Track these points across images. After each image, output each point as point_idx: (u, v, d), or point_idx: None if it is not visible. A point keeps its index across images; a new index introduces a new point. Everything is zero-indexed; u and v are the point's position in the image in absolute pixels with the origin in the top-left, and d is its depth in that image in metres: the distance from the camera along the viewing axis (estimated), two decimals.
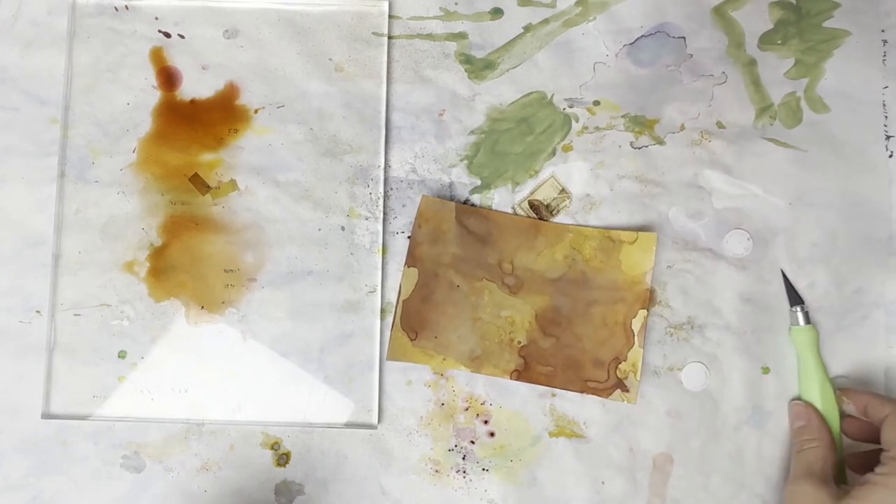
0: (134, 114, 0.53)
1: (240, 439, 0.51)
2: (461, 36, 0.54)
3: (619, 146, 0.53)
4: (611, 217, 0.52)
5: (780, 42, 0.54)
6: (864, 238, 0.52)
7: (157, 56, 0.53)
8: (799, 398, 0.50)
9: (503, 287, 0.51)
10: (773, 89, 0.53)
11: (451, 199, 0.52)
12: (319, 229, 0.52)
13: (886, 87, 0.53)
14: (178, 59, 0.53)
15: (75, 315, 0.51)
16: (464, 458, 0.51)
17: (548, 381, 0.51)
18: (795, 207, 0.52)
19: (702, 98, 0.53)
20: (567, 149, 0.53)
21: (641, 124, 0.53)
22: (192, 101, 0.53)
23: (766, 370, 0.51)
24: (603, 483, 0.51)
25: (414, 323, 0.51)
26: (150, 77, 0.53)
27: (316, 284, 0.52)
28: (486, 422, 0.51)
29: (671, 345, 0.51)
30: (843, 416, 0.49)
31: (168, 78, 0.53)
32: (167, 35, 0.53)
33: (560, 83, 0.53)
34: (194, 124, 0.53)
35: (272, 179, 0.52)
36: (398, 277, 0.51)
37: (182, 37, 0.53)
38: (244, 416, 0.51)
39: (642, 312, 0.51)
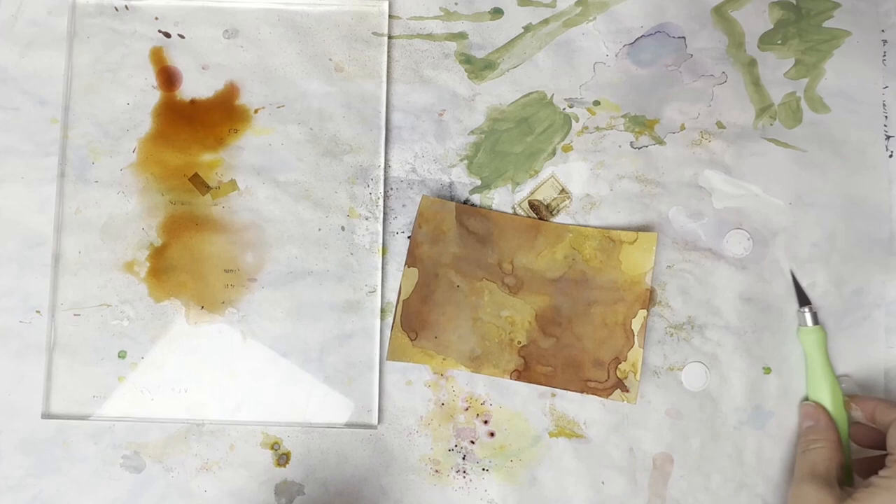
0: (134, 114, 0.53)
1: (240, 439, 0.51)
2: (461, 36, 0.54)
3: (619, 146, 0.53)
4: (611, 217, 0.52)
5: (780, 42, 0.54)
6: (864, 238, 0.52)
7: (157, 56, 0.53)
8: (808, 398, 0.50)
9: (503, 287, 0.51)
10: (773, 89, 0.53)
11: (451, 199, 0.52)
12: (319, 229, 0.52)
13: (886, 87, 0.53)
14: (178, 59, 0.53)
15: (75, 315, 0.51)
16: (464, 458, 0.51)
17: (548, 381, 0.51)
18: (795, 207, 0.52)
19: (702, 98, 0.53)
20: (567, 149, 0.53)
21: (641, 124, 0.53)
22: (192, 101, 0.53)
23: (767, 370, 0.51)
24: (603, 483, 0.51)
25: (414, 323, 0.51)
26: (150, 77, 0.53)
27: (316, 284, 0.52)
28: (486, 422, 0.51)
29: (671, 345, 0.51)
30: (852, 422, 0.49)
31: (168, 78, 0.53)
32: (167, 35, 0.53)
33: (560, 83, 0.53)
34: (194, 124, 0.53)
35: (272, 179, 0.52)
36: (398, 277, 0.51)
37: (182, 37, 0.53)
38: (244, 416, 0.51)
39: (642, 312, 0.51)
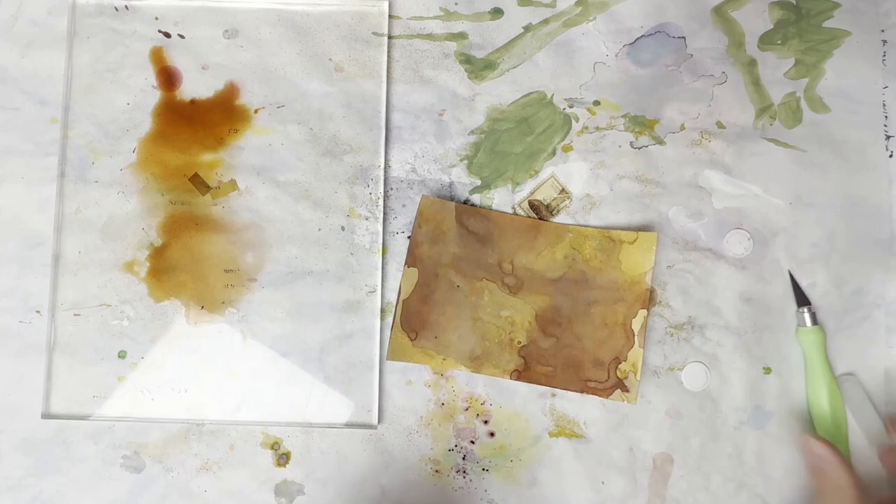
0: (134, 114, 0.53)
1: (240, 439, 0.51)
2: (461, 36, 0.54)
3: (619, 146, 0.53)
4: (611, 217, 0.52)
5: (780, 42, 0.54)
6: (864, 238, 0.52)
7: (157, 56, 0.53)
8: (814, 434, 0.50)
9: (503, 287, 0.51)
10: (773, 89, 0.53)
11: (451, 199, 0.52)
12: (319, 229, 0.52)
13: (886, 87, 0.53)
14: (178, 59, 0.53)
15: (75, 315, 0.51)
16: (464, 458, 0.51)
17: (548, 381, 0.51)
18: (795, 207, 0.52)
19: (702, 98, 0.53)
20: (567, 149, 0.53)
21: (641, 124, 0.53)
22: (192, 101, 0.53)
23: (767, 370, 0.51)
24: (603, 483, 0.51)
25: (414, 323, 0.51)
26: (150, 77, 0.53)
27: (316, 284, 0.52)
28: (486, 422, 0.51)
29: (671, 345, 0.51)
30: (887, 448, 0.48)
31: (168, 78, 0.53)
32: (167, 35, 0.53)
33: (560, 83, 0.53)
34: (194, 124, 0.53)
35: (272, 179, 0.52)
36: (398, 277, 0.51)
37: (182, 37, 0.53)
38: (244, 416, 0.51)
39: (642, 312, 0.51)
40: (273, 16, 0.54)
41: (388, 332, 0.51)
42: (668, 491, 0.51)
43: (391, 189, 0.53)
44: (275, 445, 0.51)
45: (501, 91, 0.53)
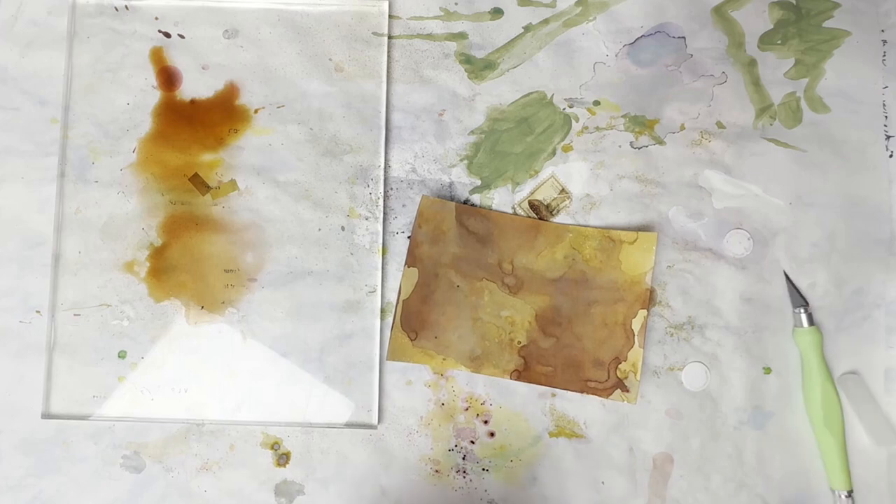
0: (134, 114, 0.53)
1: (240, 439, 0.51)
2: (461, 36, 0.54)
3: (619, 146, 0.53)
4: (611, 217, 0.52)
5: (780, 42, 0.54)
6: (864, 238, 0.52)
7: (157, 56, 0.53)
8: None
9: (503, 287, 0.51)
10: (773, 89, 0.53)
11: (451, 199, 0.52)
12: (319, 229, 0.52)
13: (886, 87, 0.53)
14: (178, 59, 0.53)
15: (75, 315, 0.51)
16: (464, 458, 0.51)
17: (548, 381, 0.51)
18: (795, 207, 0.52)
19: (702, 98, 0.53)
20: (567, 149, 0.53)
21: (641, 124, 0.53)
22: (192, 101, 0.53)
23: (767, 370, 0.51)
24: (603, 483, 0.51)
25: (414, 323, 0.51)
26: (150, 77, 0.53)
27: (316, 284, 0.52)
28: (486, 422, 0.51)
29: (671, 345, 0.51)
30: None
31: (168, 78, 0.53)
32: (167, 35, 0.53)
33: (560, 83, 0.53)
34: (194, 124, 0.53)
35: (272, 179, 0.52)
36: (398, 277, 0.51)
37: (182, 37, 0.53)
38: (244, 416, 0.51)
39: (642, 312, 0.51)
40: (273, 16, 0.54)
41: (388, 332, 0.51)
42: (668, 491, 0.51)
43: (391, 189, 0.53)
44: (275, 445, 0.51)
45: (501, 91, 0.53)
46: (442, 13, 0.54)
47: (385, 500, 0.50)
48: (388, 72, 0.53)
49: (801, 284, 0.52)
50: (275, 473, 0.50)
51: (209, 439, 0.50)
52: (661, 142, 0.53)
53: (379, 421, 0.51)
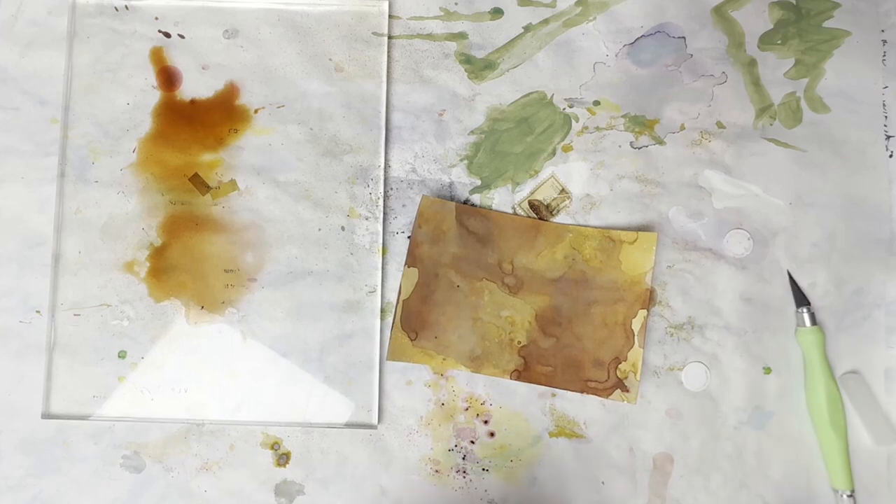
0: (134, 114, 0.53)
1: (240, 439, 0.51)
2: (461, 36, 0.54)
3: (619, 146, 0.53)
4: (611, 217, 0.52)
5: (780, 42, 0.54)
6: (864, 238, 0.52)
7: (157, 56, 0.53)
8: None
9: (503, 287, 0.51)
10: (773, 89, 0.53)
11: (451, 199, 0.52)
12: (319, 229, 0.52)
13: (886, 87, 0.53)
14: (178, 59, 0.53)
15: (75, 315, 0.51)
16: (464, 458, 0.51)
17: (548, 381, 0.51)
18: (795, 207, 0.52)
19: (702, 98, 0.53)
20: (567, 149, 0.53)
21: (641, 124, 0.53)
22: (192, 101, 0.53)
23: (767, 370, 0.51)
24: (603, 483, 0.51)
25: (414, 323, 0.51)
26: (150, 77, 0.53)
27: (316, 284, 0.52)
28: (486, 422, 0.51)
29: (671, 345, 0.51)
30: None
31: (168, 78, 0.53)
32: (167, 35, 0.53)
33: (560, 83, 0.53)
34: (194, 124, 0.53)
35: (272, 179, 0.52)
36: (398, 277, 0.51)
37: (182, 37, 0.53)
38: (244, 416, 0.51)
39: (642, 312, 0.51)
40: (273, 16, 0.54)
41: (388, 332, 0.51)
42: (668, 491, 0.51)
43: (391, 189, 0.53)
44: (275, 445, 0.51)
45: (501, 91, 0.53)
46: (442, 13, 0.54)
47: (385, 500, 0.50)
48: (388, 72, 0.53)
49: (802, 284, 0.52)
50: (275, 473, 0.50)
51: (209, 439, 0.50)
52: (661, 142, 0.53)
53: (379, 421, 0.51)
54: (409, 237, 0.52)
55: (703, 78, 0.53)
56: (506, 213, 0.52)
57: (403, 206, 0.52)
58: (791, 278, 0.51)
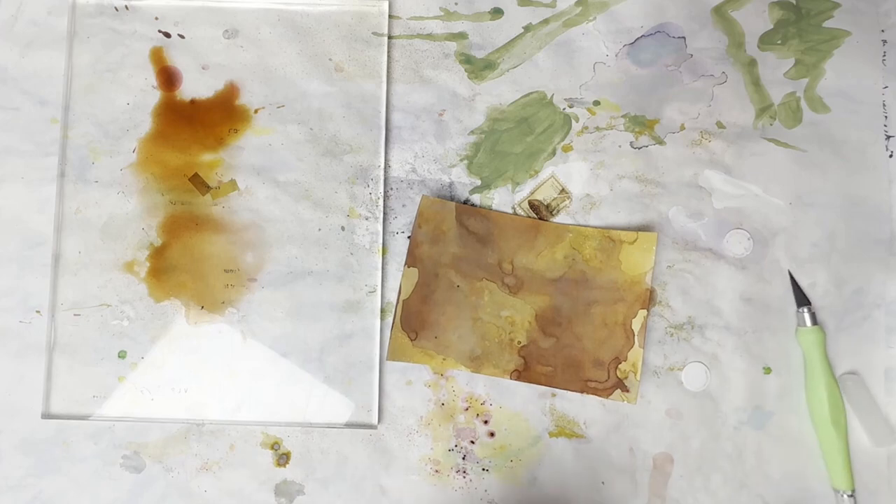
0: (134, 114, 0.53)
1: (240, 439, 0.51)
2: (461, 36, 0.54)
3: (619, 146, 0.53)
4: (611, 217, 0.52)
5: (780, 42, 0.54)
6: (864, 238, 0.52)
7: (157, 56, 0.53)
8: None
9: (503, 287, 0.51)
10: (773, 89, 0.53)
11: (451, 199, 0.52)
12: (319, 229, 0.52)
13: (886, 87, 0.53)
14: (178, 59, 0.53)
15: (75, 315, 0.51)
16: (464, 458, 0.51)
17: (548, 381, 0.51)
18: (795, 207, 0.52)
19: (702, 98, 0.53)
20: (567, 149, 0.53)
21: (641, 124, 0.53)
22: (192, 101, 0.53)
23: (767, 370, 0.51)
24: (603, 483, 0.50)
25: (414, 323, 0.51)
26: (150, 77, 0.53)
27: (316, 284, 0.52)
28: (486, 422, 0.51)
29: (671, 345, 0.51)
30: None
31: (168, 78, 0.53)
32: (167, 35, 0.53)
33: (560, 83, 0.53)
34: (194, 124, 0.53)
35: (272, 179, 0.52)
36: (398, 277, 0.51)
37: (182, 37, 0.53)
38: (244, 416, 0.51)
39: (642, 312, 0.51)
40: (273, 16, 0.54)
41: (388, 332, 0.51)
42: (668, 491, 0.51)
43: (391, 189, 0.53)
44: (275, 445, 0.51)
45: (501, 91, 0.53)
46: (442, 13, 0.54)
47: (385, 500, 0.50)
48: (388, 72, 0.53)
49: (801, 284, 0.51)
50: (275, 473, 0.50)
51: (209, 439, 0.50)
52: (661, 142, 0.53)
53: (379, 421, 0.51)
54: (409, 237, 0.52)
55: (703, 78, 0.53)
56: (506, 213, 0.52)
57: (403, 206, 0.52)
58: (792, 278, 0.51)
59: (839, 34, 0.54)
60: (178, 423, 0.51)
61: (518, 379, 0.51)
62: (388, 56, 0.53)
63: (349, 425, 0.51)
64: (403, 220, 0.52)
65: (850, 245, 0.52)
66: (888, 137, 0.53)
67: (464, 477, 0.51)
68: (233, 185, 0.52)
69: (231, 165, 0.52)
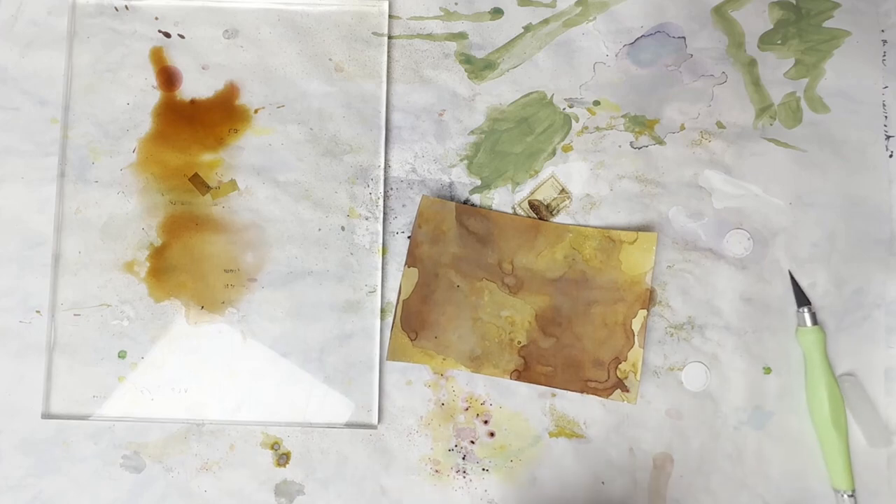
0: (134, 114, 0.53)
1: (240, 439, 0.51)
2: (461, 36, 0.54)
3: (619, 146, 0.53)
4: (611, 217, 0.52)
5: (780, 42, 0.54)
6: (864, 238, 0.52)
7: (157, 56, 0.53)
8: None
9: (503, 287, 0.51)
10: (773, 89, 0.53)
11: (451, 199, 0.52)
12: (319, 229, 0.52)
13: (886, 87, 0.53)
14: (178, 59, 0.53)
15: (75, 315, 0.51)
16: (464, 458, 0.51)
17: (548, 381, 0.51)
18: (795, 207, 0.52)
19: (702, 98, 0.53)
20: (567, 149, 0.53)
21: (641, 124, 0.53)
22: (192, 101, 0.53)
23: (767, 370, 0.51)
24: (603, 483, 0.51)
25: (414, 323, 0.51)
26: (150, 77, 0.53)
27: (316, 284, 0.52)
28: (486, 422, 0.51)
29: (671, 345, 0.51)
30: None
31: (168, 78, 0.53)
32: (167, 35, 0.53)
33: (560, 83, 0.53)
34: (194, 124, 0.53)
35: (272, 179, 0.52)
36: (398, 277, 0.51)
37: (182, 37, 0.53)
38: (244, 416, 0.51)
39: (642, 312, 0.51)
40: (273, 16, 0.54)
41: (388, 332, 0.51)
42: (668, 491, 0.51)
43: (391, 189, 0.53)
44: (275, 445, 0.51)
45: (501, 91, 0.53)
46: (442, 13, 0.54)
47: (385, 500, 0.50)
48: (388, 72, 0.53)
49: (801, 284, 0.51)
50: (275, 473, 0.50)
51: (209, 439, 0.50)
52: (661, 142, 0.53)
53: (379, 421, 0.51)
54: (409, 237, 0.52)
55: (703, 78, 0.53)
56: (506, 213, 0.52)
57: (403, 206, 0.52)
58: (792, 278, 0.51)
59: (839, 34, 0.54)
60: (178, 423, 0.51)
61: (518, 379, 0.51)
62: (388, 56, 0.53)
63: (349, 425, 0.51)
64: (403, 220, 0.52)
65: (850, 245, 0.52)
66: (888, 137, 0.53)
67: (464, 477, 0.51)
68: (233, 185, 0.52)
69: (231, 165, 0.52)
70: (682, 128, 0.53)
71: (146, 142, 0.52)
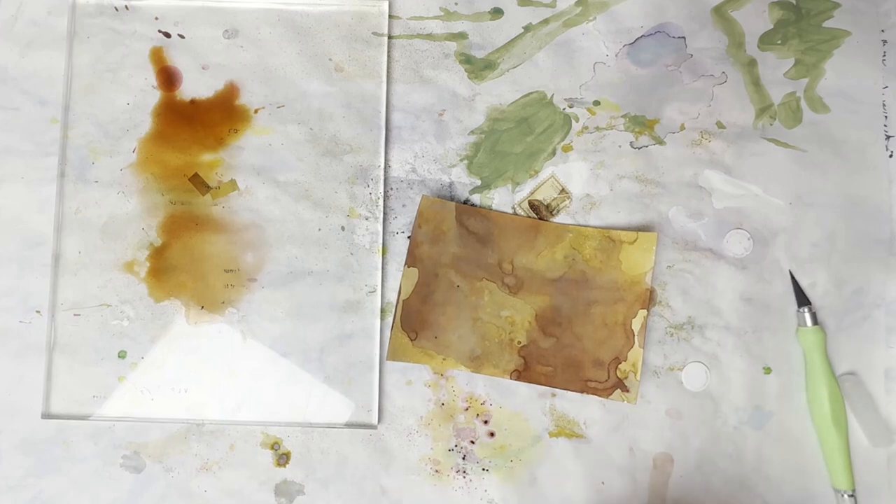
0: (134, 114, 0.53)
1: (240, 439, 0.51)
2: (461, 36, 0.54)
3: (619, 146, 0.53)
4: (611, 217, 0.52)
5: (780, 42, 0.54)
6: (864, 238, 0.52)
7: (157, 56, 0.53)
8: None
9: (503, 287, 0.51)
10: (773, 89, 0.53)
11: (451, 199, 0.52)
12: (319, 229, 0.52)
13: (886, 87, 0.53)
14: (178, 59, 0.53)
15: (75, 315, 0.51)
16: (464, 458, 0.51)
17: (548, 381, 0.51)
18: (795, 207, 0.52)
19: (702, 98, 0.53)
20: (567, 149, 0.53)
21: (641, 124, 0.53)
22: (192, 101, 0.53)
23: (767, 370, 0.51)
24: (603, 483, 0.51)
25: (414, 323, 0.51)
26: (150, 77, 0.53)
27: (316, 284, 0.52)
28: (486, 422, 0.51)
29: (671, 345, 0.51)
30: None
31: (168, 78, 0.53)
32: (167, 35, 0.53)
33: (560, 83, 0.53)
34: (194, 124, 0.53)
35: (272, 179, 0.52)
36: (398, 277, 0.51)
37: (182, 37, 0.53)
38: (244, 416, 0.51)
39: (642, 312, 0.51)
40: (273, 16, 0.54)
41: (388, 332, 0.51)
42: (668, 491, 0.51)
43: (391, 189, 0.53)
44: (275, 445, 0.51)
45: (501, 91, 0.53)
46: (442, 13, 0.54)
47: (385, 500, 0.50)
48: (388, 72, 0.53)
49: (802, 284, 0.52)
50: (275, 473, 0.50)
51: (209, 439, 0.50)
52: (661, 142, 0.53)
53: (379, 421, 0.51)
54: (409, 237, 0.52)
55: (703, 78, 0.53)
56: (506, 213, 0.52)
57: (403, 206, 0.52)
58: (793, 278, 0.51)
59: (839, 34, 0.54)
60: (178, 423, 0.51)
61: (518, 379, 0.51)
62: (388, 56, 0.53)
63: (349, 425, 0.51)
64: (403, 220, 0.52)
65: (850, 245, 0.52)
66: (888, 137, 0.53)
67: (464, 477, 0.51)
68: (233, 185, 0.52)
69: (231, 165, 0.52)
70: (682, 128, 0.53)
71: (146, 142, 0.52)
